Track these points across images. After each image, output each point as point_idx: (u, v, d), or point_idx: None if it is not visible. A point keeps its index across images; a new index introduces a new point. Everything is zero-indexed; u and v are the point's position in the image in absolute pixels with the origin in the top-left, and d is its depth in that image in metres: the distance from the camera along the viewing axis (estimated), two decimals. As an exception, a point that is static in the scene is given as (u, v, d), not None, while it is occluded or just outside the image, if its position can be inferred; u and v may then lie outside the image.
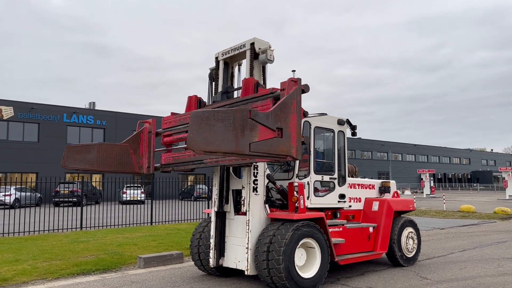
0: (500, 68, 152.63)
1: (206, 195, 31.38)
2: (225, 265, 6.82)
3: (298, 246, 6.11)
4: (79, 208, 17.48)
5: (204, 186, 33.16)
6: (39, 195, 27.38)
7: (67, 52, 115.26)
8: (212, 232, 6.83)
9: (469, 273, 7.50)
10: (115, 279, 7.33)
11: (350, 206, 7.82)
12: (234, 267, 6.66)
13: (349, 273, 7.46)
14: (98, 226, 14.39)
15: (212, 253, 6.80)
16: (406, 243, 8.14)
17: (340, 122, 7.69)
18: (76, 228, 13.90)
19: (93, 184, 29.59)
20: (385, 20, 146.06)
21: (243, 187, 6.51)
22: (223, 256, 6.84)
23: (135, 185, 29.43)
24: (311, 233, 6.27)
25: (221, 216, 6.89)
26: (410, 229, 8.31)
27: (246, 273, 6.25)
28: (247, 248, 6.26)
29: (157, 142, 7.06)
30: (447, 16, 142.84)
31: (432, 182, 43.95)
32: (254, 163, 6.17)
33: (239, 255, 6.56)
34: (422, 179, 44.99)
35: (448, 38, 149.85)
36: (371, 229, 7.76)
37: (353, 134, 7.93)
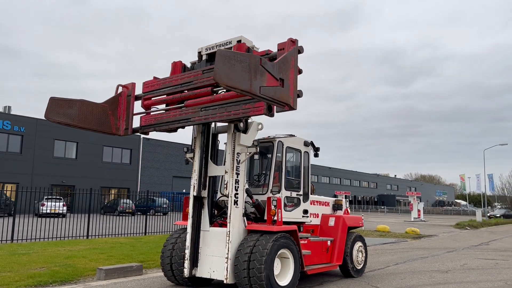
0: (397, 103, 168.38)
1: (130, 210, 30.41)
2: (198, 275, 7.06)
3: (276, 256, 6.59)
4: None
5: (128, 200, 31.94)
6: None
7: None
8: (188, 243, 7.05)
9: (410, 282, 8.52)
10: (81, 290, 7.19)
11: (310, 221, 8.50)
12: (209, 276, 6.94)
13: (309, 284, 8.08)
14: (31, 239, 13.54)
15: (186, 264, 7.00)
16: (357, 256, 9.00)
17: (306, 144, 8.41)
18: (6, 240, 12.95)
19: (6, 194, 27.22)
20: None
21: (226, 172, 6.90)
22: (196, 266, 7.08)
23: (55, 197, 27.71)
24: (287, 244, 6.80)
25: (196, 227, 7.15)
26: (360, 243, 9.20)
27: (225, 281, 6.55)
28: (227, 258, 6.59)
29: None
30: (353, 52, 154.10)
31: (347, 203, 46.82)
32: (244, 119, 6.55)
33: (214, 265, 6.86)
34: (338, 200, 47.75)
35: (353, 72, 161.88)
36: (329, 243, 8.50)
37: (316, 155, 8.68)
